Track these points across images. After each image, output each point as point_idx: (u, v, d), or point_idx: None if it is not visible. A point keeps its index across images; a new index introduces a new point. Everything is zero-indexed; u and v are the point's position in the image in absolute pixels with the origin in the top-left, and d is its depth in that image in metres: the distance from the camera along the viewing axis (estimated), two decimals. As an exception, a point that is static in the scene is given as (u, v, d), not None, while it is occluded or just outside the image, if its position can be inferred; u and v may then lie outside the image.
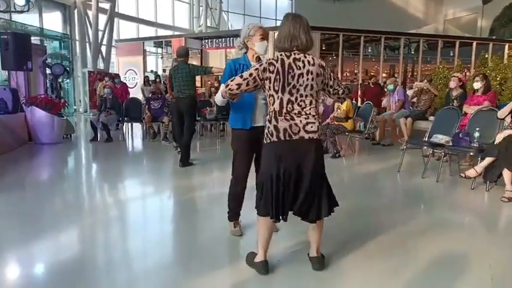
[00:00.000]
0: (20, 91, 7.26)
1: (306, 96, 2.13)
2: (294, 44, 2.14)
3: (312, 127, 2.13)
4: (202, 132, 8.75)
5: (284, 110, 2.13)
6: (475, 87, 5.34)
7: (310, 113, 2.14)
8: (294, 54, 2.14)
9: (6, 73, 8.25)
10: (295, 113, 2.13)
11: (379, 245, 2.69)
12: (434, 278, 2.27)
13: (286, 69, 2.11)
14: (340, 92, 2.28)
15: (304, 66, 2.12)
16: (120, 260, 2.54)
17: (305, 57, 2.14)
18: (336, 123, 6.16)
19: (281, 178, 2.12)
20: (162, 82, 10.98)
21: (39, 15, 13.40)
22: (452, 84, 6.00)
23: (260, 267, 2.22)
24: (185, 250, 2.65)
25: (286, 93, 2.12)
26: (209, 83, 14.18)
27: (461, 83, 6.14)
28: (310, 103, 2.14)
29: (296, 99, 2.13)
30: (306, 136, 2.12)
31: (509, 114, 4.22)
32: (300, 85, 2.12)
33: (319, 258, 2.30)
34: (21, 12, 9.17)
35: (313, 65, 2.13)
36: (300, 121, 2.12)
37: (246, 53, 2.69)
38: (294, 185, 2.13)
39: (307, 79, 2.11)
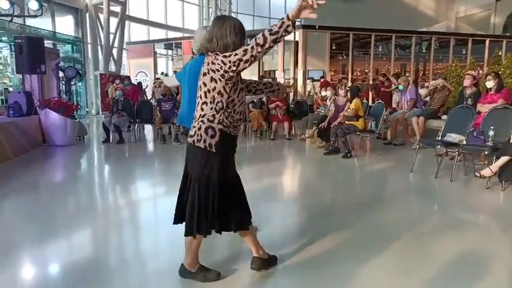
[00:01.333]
0: (34, 94, 7.37)
1: (198, 97, 2.06)
2: (207, 46, 2.04)
3: (191, 131, 2.06)
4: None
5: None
6: (488, 86, 5.27)
7: (197, 116, 2.05)
8: (207, 57, 2.08)
9: (21, 76, 8.38)
10: (195, 116, 2.10)
11: (393, 244, 2.67)
12: (449, 277, 2.24)
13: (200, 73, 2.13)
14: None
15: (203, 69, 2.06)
16: (132, 260, 2.56)
17: (206, 59, 2.05)
18: (347, 122, 6.12)
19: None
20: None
21: (51, 19, 13.60)
22: (467, 82, 5.89)
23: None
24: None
25: None
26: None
27: (475, 81, 6.04)
28: (198, 103, 2.06)
29: (196, 101, 2.10)
30: (189, 140, 2.06)
31: None
32: (198, 88, 2.07)
33: (256, 258, 2.26)
34: (35, 16, 9.29)
35: (204, 64, 2.04)
36: (195, 124, 2.07)
37: (202, 55, 2.70)
38: (185, 187, 2.13)
39: (199, 80, 2.06)
